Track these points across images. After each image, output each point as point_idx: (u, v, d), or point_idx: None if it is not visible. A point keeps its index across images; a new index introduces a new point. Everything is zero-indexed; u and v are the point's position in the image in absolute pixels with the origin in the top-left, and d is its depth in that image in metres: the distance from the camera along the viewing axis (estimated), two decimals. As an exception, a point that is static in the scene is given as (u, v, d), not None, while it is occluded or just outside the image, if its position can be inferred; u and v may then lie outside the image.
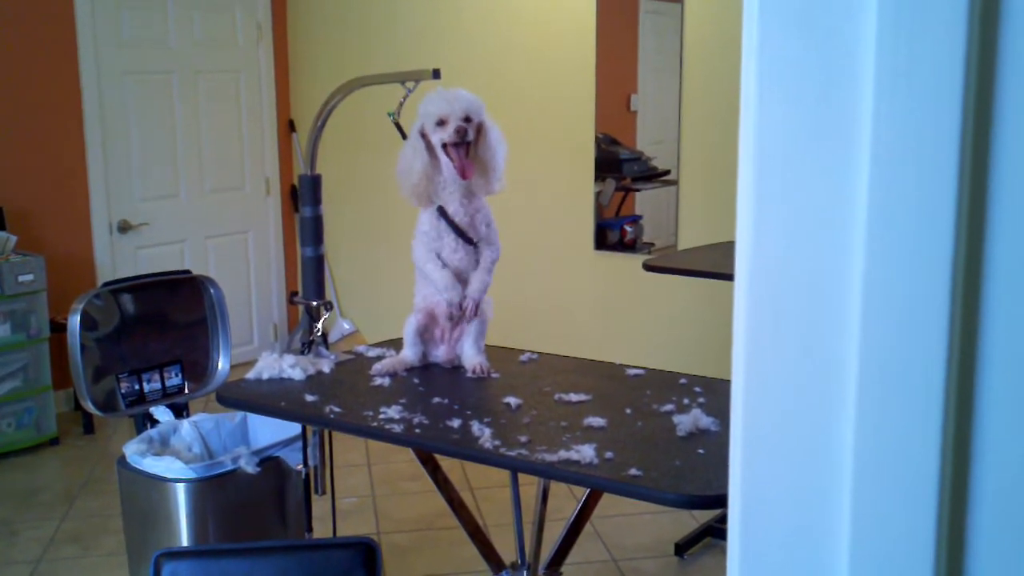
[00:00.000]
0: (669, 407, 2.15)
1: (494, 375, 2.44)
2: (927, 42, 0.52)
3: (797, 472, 0.59)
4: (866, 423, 0.57)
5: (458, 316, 2.46)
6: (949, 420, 0.56)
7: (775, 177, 0.57)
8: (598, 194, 4.89)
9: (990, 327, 0.55)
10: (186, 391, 3.23)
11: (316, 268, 2.84)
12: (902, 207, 0.54)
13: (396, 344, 2.64)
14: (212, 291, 3.27)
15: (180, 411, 3.13)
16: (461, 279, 2.47)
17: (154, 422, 3.03)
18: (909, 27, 0.52)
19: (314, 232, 2.82)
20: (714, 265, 3.50)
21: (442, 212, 2.44)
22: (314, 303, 2.80)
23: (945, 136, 0.52)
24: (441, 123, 2.39)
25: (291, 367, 2.46)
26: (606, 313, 4.99)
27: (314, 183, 2.82)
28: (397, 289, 4.91)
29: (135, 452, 2.80)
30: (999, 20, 0.50)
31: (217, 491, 2.72)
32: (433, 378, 2.45)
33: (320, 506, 3.16)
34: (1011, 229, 0.53)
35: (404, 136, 2.54)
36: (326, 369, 2.49)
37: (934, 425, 0.55)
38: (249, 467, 2.74)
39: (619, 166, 4.83)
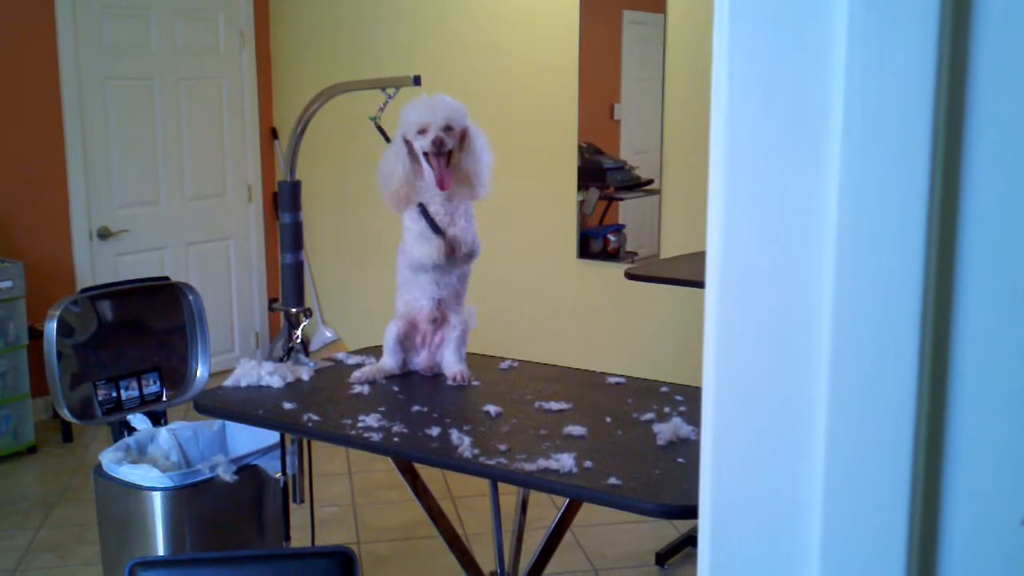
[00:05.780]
0: (650, 416, 2.15)
1: (474, 383, 2.43)
2: (898, 40, 0.51)
3: (767, 481, 0.59)
4: (837, 431, 0.56)
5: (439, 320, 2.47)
6: (921, 428, 0.55)
7: (745, 178, 0.56)
8: (581, 203, 4.89)
9: (962, 331, 0.54)
10: (164, 399, 3.20)
11: (295, 274, 2.82)
12: (873, 208, 0.53)
13: (376, 352, 2.62)
14: (191, 298, 3.25)
15: (158, 419, 3.10)
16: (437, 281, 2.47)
17: (131, 430, 3.00)
18: (880, 25, 0.51)
19: (293, 238, 2.80)
20: (696, 274, 3.50)
21: (423, 210, 2.41)
22: (293, 310, 2.78)
23: (917, 136, 0.52)
24: (422, 131, 2.36)
25: (269, 374, 2.44)
26: (588, 322, 4.98)
27: (293, 189, 2.80)
28: (379, 297, 4.90)
29: (111, 460, 2.77)
30: (971, 14, 0.50)
31: (194, 500, 2.70)
32: (413, 386, 2.44)
33: (300, 515, 3.13)
34: (983, 229, 0.53)
35: (388, 140, 2.51)
36: (305, 377, 2.48)
37: (905, 433, 0.54)
38: (227, 475, 2.71)
39: (602, 175, 4.83)
